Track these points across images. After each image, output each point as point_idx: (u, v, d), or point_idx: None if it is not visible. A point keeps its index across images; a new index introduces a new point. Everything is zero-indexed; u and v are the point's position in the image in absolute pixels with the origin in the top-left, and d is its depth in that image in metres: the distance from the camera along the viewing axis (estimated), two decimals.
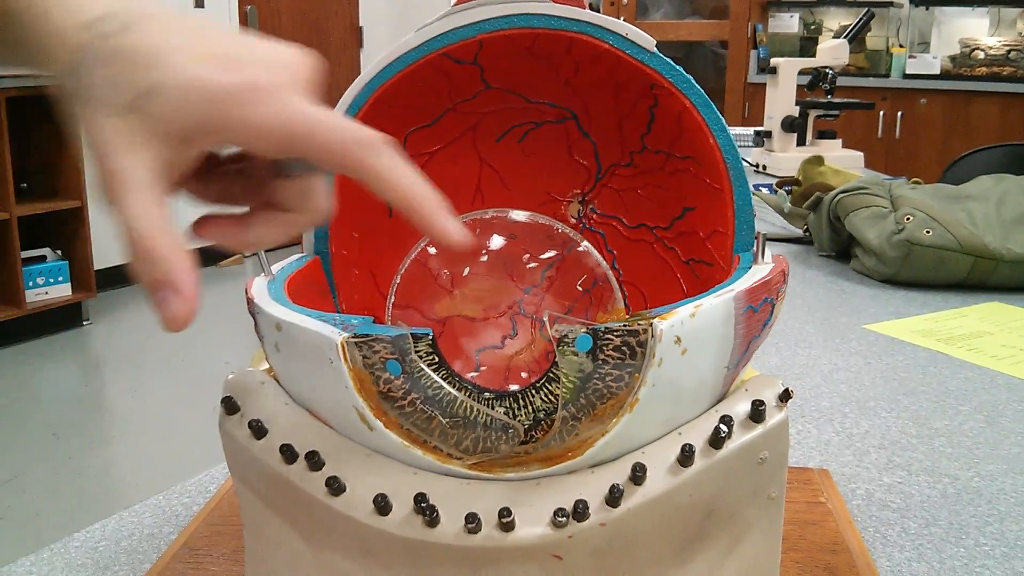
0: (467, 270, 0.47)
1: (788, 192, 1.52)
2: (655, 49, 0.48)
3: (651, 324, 0.36)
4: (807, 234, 1.35)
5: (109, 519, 0.59)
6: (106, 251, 3.27)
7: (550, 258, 0.47)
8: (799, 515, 0.57)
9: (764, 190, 1.62)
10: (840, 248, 1.28)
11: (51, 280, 2.91)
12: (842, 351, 0.93)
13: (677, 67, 0.48)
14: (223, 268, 4.38)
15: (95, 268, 3.05)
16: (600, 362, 0.36)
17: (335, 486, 0.38)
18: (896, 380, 0.85)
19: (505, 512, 0.36)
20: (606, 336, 0.36)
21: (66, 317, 3.04)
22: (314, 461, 0.39)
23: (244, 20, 3.69)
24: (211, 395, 1.18)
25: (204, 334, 3.22)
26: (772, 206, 1.47)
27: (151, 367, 2.99)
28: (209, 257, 4.21)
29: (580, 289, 0.46)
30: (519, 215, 0.47)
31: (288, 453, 0.40)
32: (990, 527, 0.58)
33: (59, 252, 2.97)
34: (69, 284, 2.95)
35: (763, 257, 0.44)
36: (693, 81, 0.48)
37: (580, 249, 0.46)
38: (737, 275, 0.42)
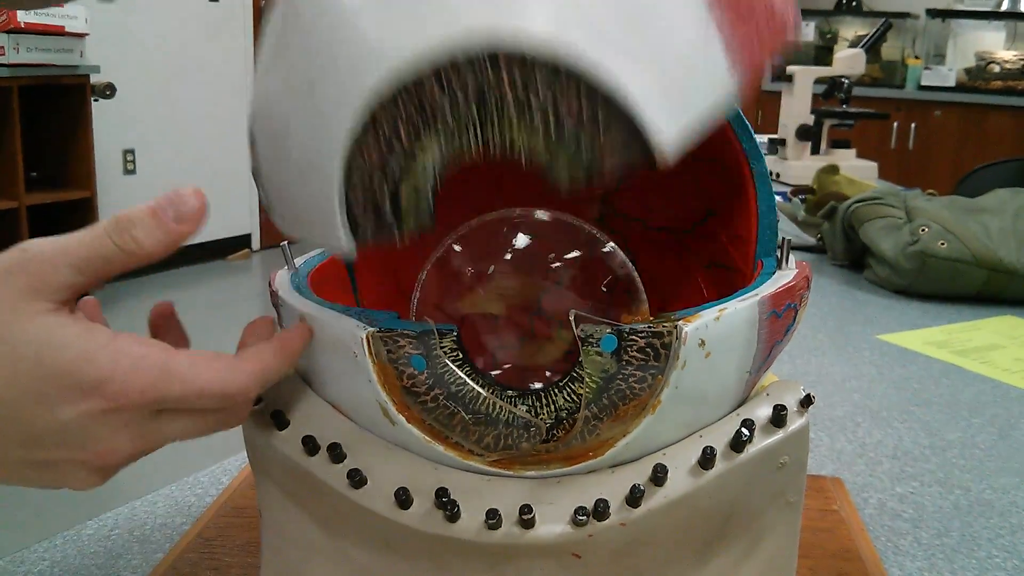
0: (492, 268, 0.47)
1: (802, 201, 1.52)
2: None
3: (676, 326, 0.36)
4: (821, 243, 1.35)
5: (122, 508, 0.59)
6: None
7: (574, 258, 0.47)
8: (812, 522, 0.57)
9: (778, 198, 1.62)
10: (854, 258, 1.28)
11: None
12: (855, 361, 0.92)
13: None
14: (230, 262, 4.39)
15: None
16: (624, 363, 0.36)
17: (356, 478, 0.38)
18: (909, 391, 0.84)
19: (526, 509, 0.36)
20: (631, 337, 0.36)
21: None
22: (336, 453, 0.39)
23: (258, 14, 3.70)
24: None
25: (210, 327, 3.22)
26: (786, 214, 1.47)
27: None
28: (215, 251, 4.22)
29: (604, 290, 0.46)
30: (544, 214, 0.47)
31: (310, 445, 0.40)
32: (1002, 539, 0.58)
33: None
34: None
35: (787, 263, 0.44)
36: None
37: (605, 250, 0.46)
38: (761, 280, 0.42)
